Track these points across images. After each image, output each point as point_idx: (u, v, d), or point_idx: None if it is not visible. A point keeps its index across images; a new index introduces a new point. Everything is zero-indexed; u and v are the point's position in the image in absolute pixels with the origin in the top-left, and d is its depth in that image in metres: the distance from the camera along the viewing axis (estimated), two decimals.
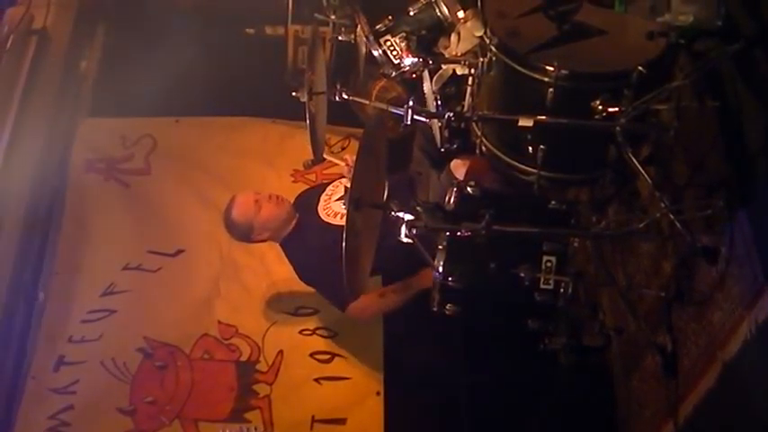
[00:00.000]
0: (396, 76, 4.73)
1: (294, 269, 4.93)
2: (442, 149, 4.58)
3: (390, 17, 4.72)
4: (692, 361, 3.88)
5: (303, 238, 4.86)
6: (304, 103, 4.55)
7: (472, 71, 4.13)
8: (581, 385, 4.81)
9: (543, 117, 3.59)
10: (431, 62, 4.47)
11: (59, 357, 5.22)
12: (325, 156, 5.40)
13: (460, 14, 4.48)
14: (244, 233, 4.92)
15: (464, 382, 5.12)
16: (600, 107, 3.53)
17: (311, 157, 5.11)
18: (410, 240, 3.59)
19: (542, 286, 3.75)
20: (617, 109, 3.50)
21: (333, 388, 5.11)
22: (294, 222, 4.91)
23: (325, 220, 4.82)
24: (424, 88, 4.57)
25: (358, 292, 3.77)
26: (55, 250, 5.71)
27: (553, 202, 3.95)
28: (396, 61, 4.71)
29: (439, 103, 4.47)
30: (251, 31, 7.00)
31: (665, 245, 4.13)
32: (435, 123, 4.52)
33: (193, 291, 5.49)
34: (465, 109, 4.17)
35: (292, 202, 5.11)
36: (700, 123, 3.81)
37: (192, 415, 5.03)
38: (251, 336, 5.28)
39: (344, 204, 3.47)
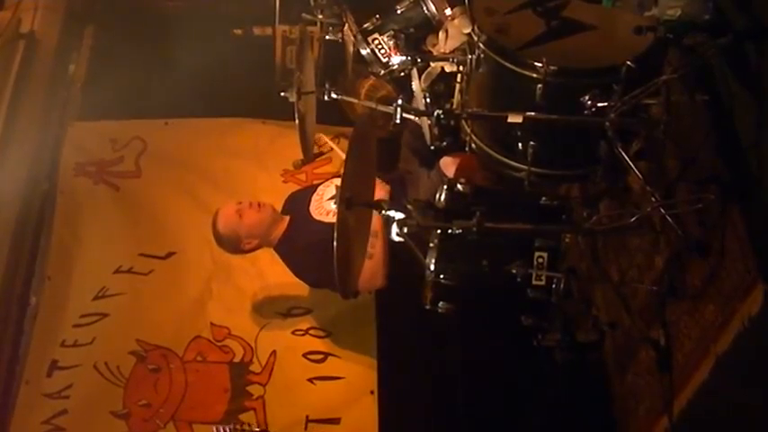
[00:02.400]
0: (384, 74, 4.74)
1: (294, 273, 4.92)
2: (432, 147, 4.59)
3: (378, 16, 4.73)
4: (686, 355, 3.89)
5: (296, 238, 4.85)
6: (293, 103, 4.54)
7: (461, 68, 4.13)
8: (576, 381, 4.81)
9: (533, 113, 3.59)
10: (419, 60, 4.48)
11: (52, 362, 5.19)
12: (330, 145, 5.42)
13: (448, 12, 4.49)
14: (233, 244, 4.93)
15: (458, 379, 5.12)
16: (589, 102, 3.53)
17: (301, 156, 5.11)
18: (401, 239, 3.59)
19: (535, 282, 3.75)
20: (607, 104, 3.50)
21: (327, 388, 5.11)
22: (285, 224, 4.91)
23: (318, 218, 4.81)
24: (413, 86, 4.57)
25: (350, 291, 3.78)
26: (46, 255, 5.68)
27: (544, 199, 3.95)
28: (384, 60, 4.72)
29: (428, 100, 4.47)
30: (239, 31, 7.00)
31: (657, 240, 4.14)
32: (425, 121, 4.52)
33: (185, 293, 5.48)
34: (454, 106, 4.18)
35: (283, 202, 5.11)
36: (690, 118, 3.82)
37: (187, 417, 5.01)
38: (244, 337, 5.27)
39: (335, 203, 3.49)
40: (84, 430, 5.00)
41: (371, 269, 4.51)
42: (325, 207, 4.82)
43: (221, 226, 4.89)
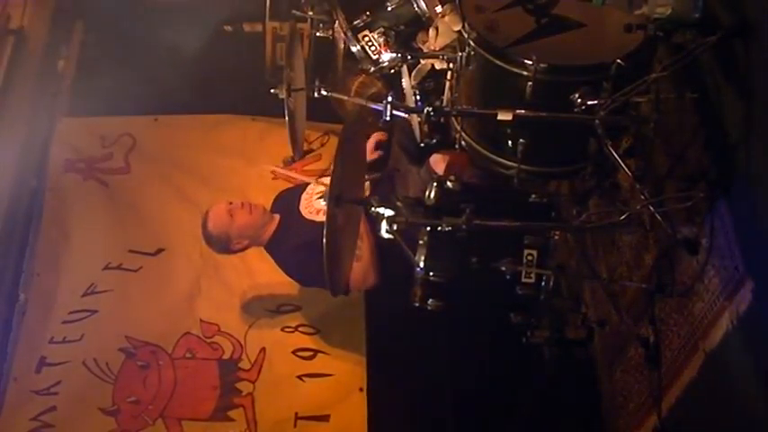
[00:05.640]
0: (374, 71, 4.73)
1: (285, 272, 4.92)
2: (422, 144, 4.59)
3: (368, 12, 4.72)
4: (675, 352, 3.89)
5: (286, 237, 4.86)
6: (283, 99, 4.54)
7: (451, 66, 4.13)
8: (564, 378, 4.82)
9: (522, 111, 3.59)
10: (409, 57, 4.47)
11: (41, 358, 5.19)
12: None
13: (438, 9, 4.48)
14: (223, 244, 4.93)
15: (447, 376, 5.13)
16: (579, 100, 3.53)
17: (291, 153, 5.10)
18: (391, 236, 3.59)
19: (524, 280, 3.75)
20: (596, 102, 3.50)
21: (316, 385, 5.12)
22: (275, 224, 4.90)
23: (308, 217, 4.81)
24: (403, 83, 4.57)
25: (340, 289, 3.78)
26: (35, 251, 5.67)
27: (534, 196, 3.95)
28: (374, 57, 4.71)
29: (418, 98, 4.47)
30: (229, 28, 6.98)
31: (646, 237, 4.14)
32: (415, 118, 4.52)
33: (174, 290, 5.48)
34: (444, 103, 4.17)
35: (272, 201, 5.12)
36: (679, 115, 3.82)
37: (176, 414, 5.02)
38: (233, 334, 5.28)
39: (324, 201, 3.49)
40: (73, 427, 5.01)
41: (361, 270, 4.54)
42: (314, 206, 4.83)
43: (212, 226, 4.89)
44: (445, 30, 4.30)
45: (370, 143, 5.06)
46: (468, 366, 5.11)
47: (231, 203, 4.91)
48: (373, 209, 3.58)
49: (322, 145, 6.06)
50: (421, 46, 4.62)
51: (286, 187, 5.49)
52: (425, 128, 4.46)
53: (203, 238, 4.98)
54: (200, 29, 6.73)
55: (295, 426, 4.98)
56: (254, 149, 6.11)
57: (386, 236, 3.60)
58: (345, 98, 5.05)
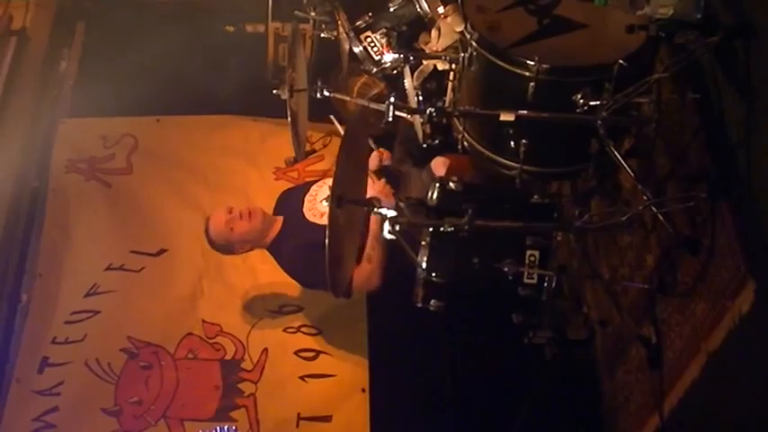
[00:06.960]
0: (377, 72, 4.73)
1: (288, 274, 4.91)
2: (424, 145, 4.59)
3: (370, 13, 4.72)
4: (677, 352, 3.89)
5: (289, 239, 4.84)
6: (285, 100, 4.54)
7: (453, 66, 4.13)
8: (566, 379, 4.82)
9: (525, 111, 3.59)
10: (411, 58, 4.47)
11: (43, 359, 5.19)
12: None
13: (441, 10, 4.48)
14: (226, 249, 4.94)
15: (449, 376, 5.13)
16: (581, 101, 3.53)
17: (293, 154, 5.10)
18: (393, 237, 3.59)
19: (526, 280, 3.76)
20: (598, 102, 3.51)
21: (318, 385, 5.11)
22: (278, 226, 4.89)
23: (311, 220, 4.80)
24: (405, 84, 4.57)
25: (341, 291, 3.78)
26: (37, 252, 5.67)
27: (536, 197, 3.96)
28: (376, 57, 4.71)
29: (420, 98, 4.47)
30: (231, 28, 6.99)
31: (647, 237, 4.14)
32: (417, 119, 4.52)
33: (177, 290, 5.48)
34: (446, 104, 4.17)
35: (275, 200, 5.10)
36: (681, 116, 3.83)
37: (178, 414, 5.01)
38: (235, 334, 5.28)
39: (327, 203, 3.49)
40: (75, 427, 5.00)
41: (369, 272, 4.53)
42: (318, 209, 4.81)
43: (213, 234, 4.88)
44: (447, 30, 4.30)
45: (374, 158, 5.04)
46: (470, 366, 5.11)
47: (230, 213, 4.86)
48: (376, 210, 3.59)
49: (324, 146, 6.06)
50: (423, 47, 4.62)
51: (288, 187, 5.48)
52: (427, 128, 4.46)
53: (207, 244, 4.97)
54: (202, 30, 6.74)
55: (297, 426, 4.98)
56: (257, 150, 6.11)
57: (388, 236, 3.60)
58: (347, 99, 5.06)
